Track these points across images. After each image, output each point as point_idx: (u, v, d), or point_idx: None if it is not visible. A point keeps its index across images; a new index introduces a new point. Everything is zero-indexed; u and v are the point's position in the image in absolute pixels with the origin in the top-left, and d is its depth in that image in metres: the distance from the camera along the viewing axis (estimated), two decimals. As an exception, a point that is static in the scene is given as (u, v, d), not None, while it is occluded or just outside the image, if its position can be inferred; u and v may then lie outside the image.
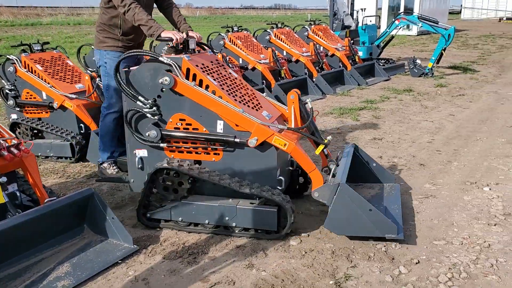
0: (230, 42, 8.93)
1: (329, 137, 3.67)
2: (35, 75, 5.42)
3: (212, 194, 3.52)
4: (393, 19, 11.58)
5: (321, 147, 3.62)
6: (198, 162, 3.57)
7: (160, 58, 3.39)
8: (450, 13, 53.26)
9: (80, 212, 3.31)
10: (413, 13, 11.69)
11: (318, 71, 9.23)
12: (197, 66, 3.48)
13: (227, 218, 3.41)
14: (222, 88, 3.49)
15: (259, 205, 3.37)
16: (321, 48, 10.40)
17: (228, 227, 3.45)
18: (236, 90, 3.66)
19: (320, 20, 11.88)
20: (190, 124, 3.49)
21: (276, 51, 8.90)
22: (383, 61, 11.90)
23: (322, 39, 10.63)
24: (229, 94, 3.48)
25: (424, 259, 3.11)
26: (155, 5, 4.22)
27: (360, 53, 11.38)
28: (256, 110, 3.59)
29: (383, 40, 11.93)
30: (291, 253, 3.21)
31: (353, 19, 13.26)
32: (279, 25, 10.41)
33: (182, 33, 3.73)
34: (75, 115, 5.20)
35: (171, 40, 3.59)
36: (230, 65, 7.80)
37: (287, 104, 3.67)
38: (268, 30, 10.01)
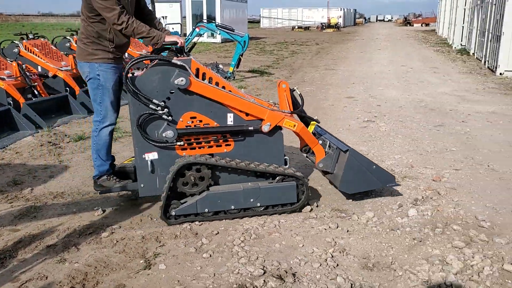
0: (26, 50, 8.51)
1: (316, 117, 4.27)
2: None
3: (230, 182, 3.81)
4: (194, 27, 12.31)
5: (313, 124, 4.20)
6: (210, 155, 3.77)
7: (173, 61, 3.50)
8: (250, 22, 57.79)
9: None
10: (212, 22, 12.56)
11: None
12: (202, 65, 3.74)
13: (252, 199, 3.73)
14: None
15: (279, 182, 3.79)
16: (126, 54, 10.52)
17: (252, 208, 3.76)
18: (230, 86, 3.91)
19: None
20: (201, 121, 3.70)
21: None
22: (188, 66, 12.52)
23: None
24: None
25: (222, 229, 3.62)
26: None
27: (166, 59, 11.79)
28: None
29: (186, 46, 12.54)
30: (103, 244, 3.41)
31: (156, 26, 13.63)
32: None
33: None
34: None
35: (176, 44, 3.78)
36: (28, 73, 7.47)
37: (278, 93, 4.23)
38: (68, 37, 9.78)
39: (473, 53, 17.45)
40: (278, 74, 13.31)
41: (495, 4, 13.25)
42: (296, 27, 51.88)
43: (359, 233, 3.54)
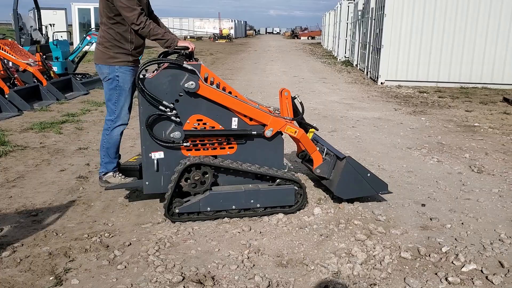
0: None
1: (314, 124, 4.47)
2: None
3: (230, 183, 3.95)
4: (84, 35, 11.84)
5: (311, 132, 4.39)
6: (214, 157, 3.91)
7: (184, 65, 3.63)
8: (140, 31, 56.67)
9: None
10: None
11: (10, 87, 8.71)
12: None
13: (252, 200, 3.86)
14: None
15: (278, 185, 3.94)
16: (10, 63, 9.81)
17: (252, 208, 3.89)
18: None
19: (5, 35, 11.16)
20: (206, 123, 3.84)
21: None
22: (80, 75, 11.99)
23: (10, 54, 10.02)
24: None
25: (135, 240, 3.55)
26: None
27: (55, 68, 11.19)
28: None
29: (77, 55, 12.02)
30: (4, 264, 3.17)
31: (42, 34, 12.86)
32: None
33: None
34: None
35: (187, 48, 3.89)
36: None
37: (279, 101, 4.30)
38: None
39: (356, 65, 18.89)
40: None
41: (374, 19, 14.51)
42: (189, 37, 51.91)
43: (271, 233, 3.69)
